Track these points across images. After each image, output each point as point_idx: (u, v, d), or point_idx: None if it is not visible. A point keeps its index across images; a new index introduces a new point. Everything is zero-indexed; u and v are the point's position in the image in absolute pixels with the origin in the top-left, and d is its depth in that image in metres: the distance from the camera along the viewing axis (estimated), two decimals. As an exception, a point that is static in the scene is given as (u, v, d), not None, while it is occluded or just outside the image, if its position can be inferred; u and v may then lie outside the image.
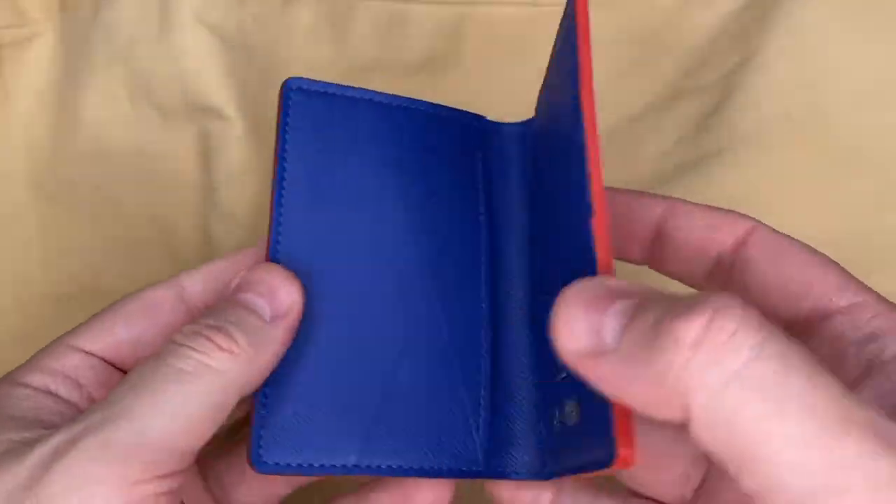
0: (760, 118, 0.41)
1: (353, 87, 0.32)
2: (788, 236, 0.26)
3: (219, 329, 0.24)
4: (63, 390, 0.26)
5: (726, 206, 0.40)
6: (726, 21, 0.43)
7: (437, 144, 0.32)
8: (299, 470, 0.27)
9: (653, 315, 0.17)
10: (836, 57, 0.41)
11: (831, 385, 0.16)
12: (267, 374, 0.26)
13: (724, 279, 0.27)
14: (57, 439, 0.22)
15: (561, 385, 0.27)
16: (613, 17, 0.44)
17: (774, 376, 0.16)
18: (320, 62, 0.44)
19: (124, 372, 0.29)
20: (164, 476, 0.22)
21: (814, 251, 0.25)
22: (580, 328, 0.19)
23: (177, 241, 0.42)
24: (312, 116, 0.31)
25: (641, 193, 0.29)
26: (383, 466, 0.28)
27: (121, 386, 0.23)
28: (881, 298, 0.23)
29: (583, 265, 0.22)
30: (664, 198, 0.28)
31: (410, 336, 0.29)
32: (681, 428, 0.17)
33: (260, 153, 0.42)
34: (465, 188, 0.32)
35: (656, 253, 0.29)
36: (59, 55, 0.44)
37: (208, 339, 0.24)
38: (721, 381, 0.16)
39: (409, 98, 0.32)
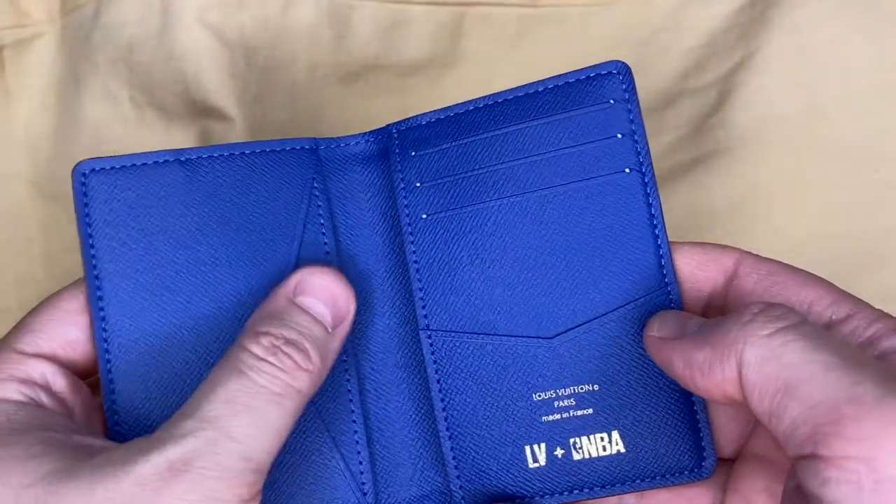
0: (760, 118, 0.41)
1: (154, 152, 0.29)
2: (773, 260, 0.27)
3: (296, 345, 0.25)
4: (46, 400, 0.26)
5: (726, 207, 0.40)
6: (725, 21, 0.43)
7: (263, 185, 0.29)
8: None
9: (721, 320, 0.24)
10: (835, 57, 0.41)
11: (851, 343, 0.23)
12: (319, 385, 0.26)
13: (719, 313, 0.28)
14: (166, 456, 0.22)
15: (559, 423, 0.28)
16: (613, 17, 0.44)
17: (814, 330, 0.22)
18: (320, 62, 0.44)
19: (76, 373, 0.28)
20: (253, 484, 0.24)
21: (802, 271, 0.27)
22: (670, 323, 0.26)
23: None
24: (115, 196, 0.28)
25: None
26: None
27: (210, 400, 0.24)
28: (873, 308, 0.25)
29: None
30: None
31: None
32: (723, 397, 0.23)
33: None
34: (303, 222, 0.29)
35: None
36: (61, 56, 0.44)
37: (289, 356, 0.25)
38: (771, 331, 0.22)
39: (222, 145, 0.29)
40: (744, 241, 0.40)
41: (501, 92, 0.29)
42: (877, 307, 0.39)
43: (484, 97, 0.29)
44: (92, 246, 0.28)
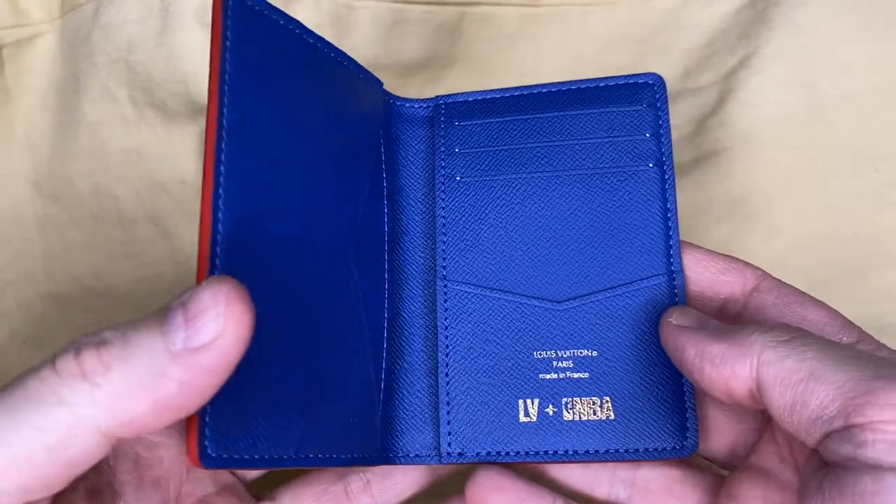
0: (760, 118, 0.41)
1: (288, 15, 0.27)
2: (792, 286, 0.29)
3: (97, 346, 0.20)
4: None
5: (726, 206, 0.40)
6: (726, 21, 0.43)
7: (356, 107, 0.30)
8: (243, 464, 0.24)
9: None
10: (836, 57, 0.41)
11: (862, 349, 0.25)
12: (155, 418, 0.20)
13: (732, 320, 0.30)
14: None
15: (555, 382, 0.29)
16: (613, 17, 0.44)
17: (828, 339, 0.24)
18: (320, 62, 0.44)
19: None
20: None
21: (817, 300, 0.29)
22: (690, 315, 0.27)
23: (177, 241, 0.42)
24: (253, 39, 0.26)
25: None
26: (320, 457, 0.27)
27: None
28: (874, 338, 0.27)
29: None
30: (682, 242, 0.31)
31: (340, 323, 0.28)
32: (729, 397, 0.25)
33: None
34: (373, 161, 0.31)
35: None
36: (61, 55, 0.44)
37: (76, 354, 0.20)
38: (789, 337, 0.24)
39: (333, 46, 0.29)
40: (744, 241, 0.40)
41: (546, 84, 0.33)
42: (878, 307, 0.39)
43: (529, 86, 0.33)
44: (226, 81, 0.25)
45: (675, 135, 0.42)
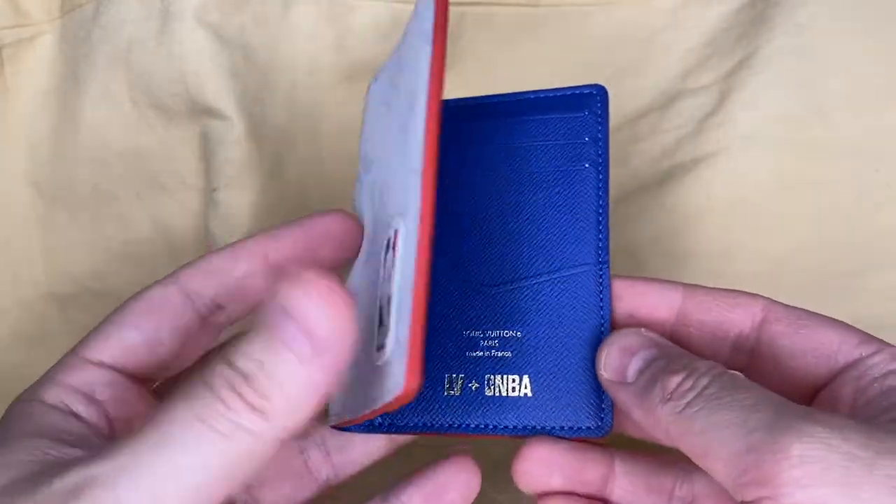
0: (760, 118, 0.41)
1: None
2: (799, 308, 0.29)
3: (249, 382, 0.21)
4: (81, 408, 0.26)
5: (726, 206, 0.40)
6: (726, 21, 0.43)
7: None
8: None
9: (656, 368, 0.27)
10: (836, 57, 0.41)
11: (750, 384, 0.25)
12: (303, 421, 0.22)
13: (747, 355, 0.30)
14: (76, 478, 0.21)
15: (480, 359, 0.32)
16: (613, 17, 0.44)
17: (716, 390, 0.25)
18: (320, 62, 0.44)
19: (139, 380, 0.29)
20: None
21: (826, 316, 0.29)
22: (613, 364, 0.29)
23: (177, 241, 0.42)
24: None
25: (657, 281, 0.31)
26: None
27: (149, 429, 0.22)
28: (893, 346, 0.27)
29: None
30: (681, 285, 0.31)
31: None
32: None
33: (260, 153, 0.42)
34: None
35: (677, 337, 0.31)
36: (61, 55, 0.44)
37: (241, 395, 0.21)
38: (682, 407, 0.25)
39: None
40: (744, 241, 0.40)
41: (499, 94, 0.35)
42: (878, 307, 0.39)
43: (483, 96, 0.35)
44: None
45: (674, 135, 0.42)
